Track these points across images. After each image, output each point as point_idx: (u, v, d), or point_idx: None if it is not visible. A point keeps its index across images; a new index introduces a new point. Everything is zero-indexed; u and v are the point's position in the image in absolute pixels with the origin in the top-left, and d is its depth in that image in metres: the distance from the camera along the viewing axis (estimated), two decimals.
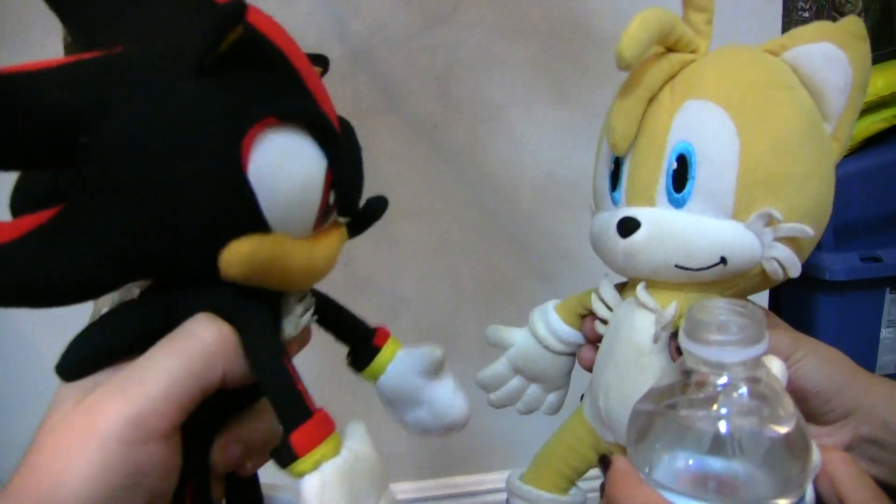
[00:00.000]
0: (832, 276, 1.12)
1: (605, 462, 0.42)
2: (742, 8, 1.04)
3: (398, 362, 0.48)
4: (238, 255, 0.34)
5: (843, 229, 1.08)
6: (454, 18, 0.98)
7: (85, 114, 0.31)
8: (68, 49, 0.57)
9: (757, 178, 0.45)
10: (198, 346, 0.34)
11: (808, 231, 0.45)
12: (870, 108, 1.08)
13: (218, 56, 0.33)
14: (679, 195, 0.47)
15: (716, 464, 0.37)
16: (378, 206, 0.43)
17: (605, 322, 0.53)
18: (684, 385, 0.39)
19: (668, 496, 0.37)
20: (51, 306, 0.34)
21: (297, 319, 0.40)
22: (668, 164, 0.47)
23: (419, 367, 0.48)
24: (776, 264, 0.46)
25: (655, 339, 0.48)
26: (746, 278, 0.47)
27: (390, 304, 1.09)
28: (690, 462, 0.37)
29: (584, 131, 1.05)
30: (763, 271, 0.46)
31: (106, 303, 0.60)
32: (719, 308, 0.39)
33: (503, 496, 1.25)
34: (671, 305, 0.47)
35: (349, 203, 0.40)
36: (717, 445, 0.37)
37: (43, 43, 0.92)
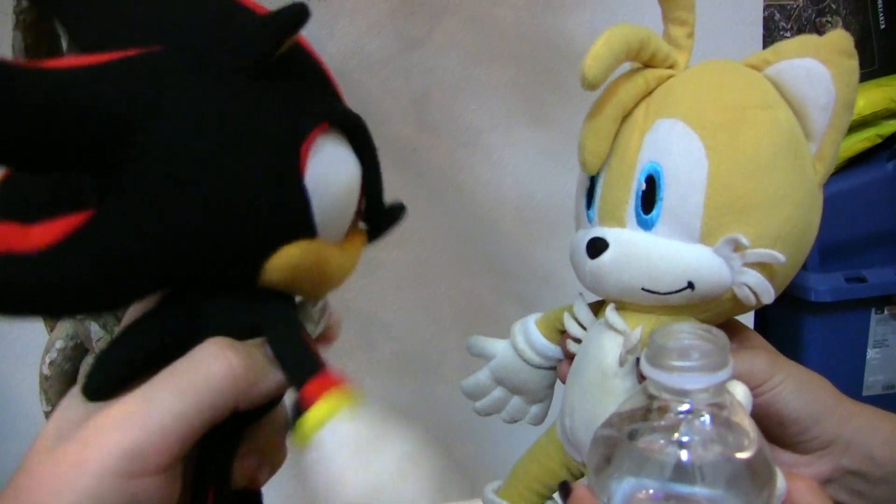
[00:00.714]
0: (818, 297, 1.12)
1: (565, 490, 0.42)
2: (723, 27, 1.04)
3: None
4: (287, 261, 0.34)
5: (827, 249, 1.09)
6: (430, 41, 0.98)
7: (137, 114, 0.30)
8: (23, 25, 0.55)
9: (725, 202, 0.43)
10: (205, 382, 0.33)
11: (779, 257, 0.43)
12: (852, 128, 1.07)
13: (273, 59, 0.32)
14: (647, 217, 0.45)
15: (679, 491, 0.36)
16: (397, 212, 0.44)
17: (578, 341, 0.52)
18: (646, 411, 0.38)
19: None
20: (74, 315, 0.34)
21: (317, 320, 0.40)
22: (637, 184, 0.46)
23: None
24: (747, 290, 0.44)
25: (621, 363, 0.46)
26: (718, 303, 0.45)
27: (368, 332, 1.08)
28: (651, 491, 0.36)
29: (563, 153, 1.05)
30: (734, 296, 0.45)
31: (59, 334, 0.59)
32: (682, 333, 0.37)
33: None
34: (638, 328, 0.46)
35: (378, 207, 0.41)
36: (679, 473, 0.35)
37: None
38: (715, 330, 0.37)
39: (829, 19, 1.17)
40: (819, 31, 1.15)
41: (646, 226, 0.46)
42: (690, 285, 0.44)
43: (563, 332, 0.55)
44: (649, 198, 0.45)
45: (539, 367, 0.57)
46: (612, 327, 0.48)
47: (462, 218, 1.06)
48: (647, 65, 0.48)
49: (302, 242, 0.34)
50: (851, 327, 1.18)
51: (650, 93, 0.48)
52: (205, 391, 0.33)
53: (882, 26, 1.17)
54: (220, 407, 0.33)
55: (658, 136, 0.45)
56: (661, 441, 0.36)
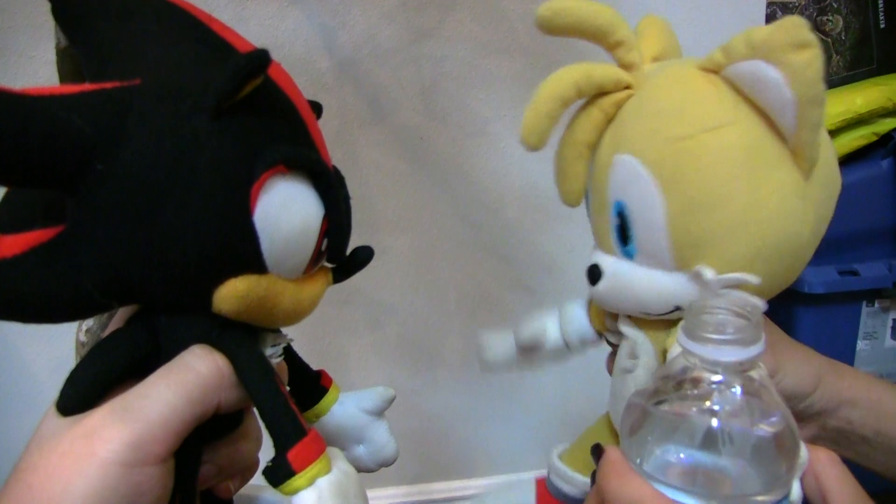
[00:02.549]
0: (811, 289, 1.13)
1: (597, 451, 0.42)
2: (726, 27, 1.04)
3: (346, 401, 0.51)
4: (234, 293, 0.35)
5: (822, 244, 1.08)
6: (440, 33, 0.98)
7: (101, 141, 0.31)
8: (60, 55, 0.56)
9: (685, 239, 0.42)
10: (195, 379, 0.35)
11: (750, 280, 0.42)
12: (849, 126, 1.07)
13: (235, 100, 0.33)
14: (626, 248, 0.46)
15: (706, 459, 0.37)
16: (364, 256, 0.44)
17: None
18: (680, 381, 0.39)
19: (659, 488, 0.37)
20: (43, 322, 0.34)
21: (268, 354, 0.40)
22: (612, 219, 0.46)
23: (370, 405, 0.51)
24: None
25: (629, 368, 0.48)
26: None
27: (375, 314, 1.09)
28: (681, 456, 0.37)
29: None
30: None
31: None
32: (718, 308, 0.38)
33: None
34: (637, 336, 0.48)
35: (340, 250, 0.41)
36: (708, 441, 0.37)
37: (31, 55, 0.91)
38: (749, 306, 0.37)
39: (830, 18, 1.16)
40: (820, 29, 1.15)
41: (628, 255, 0.46)
42: (678, 308, 0.44)
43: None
44: (623, 231, 0.45)
45: (575, 350, 0.57)
46: (624, 336, 0.49)
47: (468, 205, 1.06)
48: (602, 94, 0.46)
49: (251, 276, 0.35)
50: (843, 319, 1.19)
51: (612, 117, 0.46)
52: (195, 388, 0.35)
53: (882, 25, 1.16)
54: (208, 403, 0.36)
55: (617, 174, 0.44)
56: (693, 409, 0.37)
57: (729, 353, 0.36)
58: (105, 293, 0.34)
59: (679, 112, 0.43)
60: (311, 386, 0.50)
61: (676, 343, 0.39)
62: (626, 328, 0.49)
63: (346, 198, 0.40)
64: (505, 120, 1.03)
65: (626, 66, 0.46)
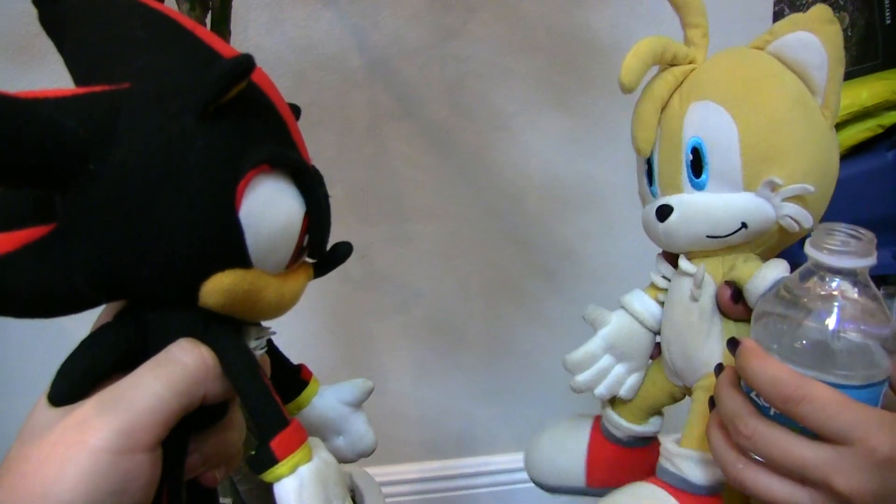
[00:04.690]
0: None
1: (733, 343, 0.47)
2: (734, 24, 1.03)
3: (325, 393, 0.51)
4: (220, 287, 0.35)
5: None
6: (465, 33, 1.00)
7: (93, 142, 0.31)
8: None
9: (756, 154, 0.51)
10: (182, 370, 0.35)
11: (809, 188, 0.51)
12: (855, 118, 1.08)
13: (221, 103, 0.34)
14: (699, 180, 0.54)
15: (827, 345, 0.43)
16: (343, 251, 0.44)
17: (664, 291, 0.60)
18: (805, 285, 0.44)
19: (792, 367, 0.43)
20: (34, 317, 0.34)
21: (253, 347, 0.41)
22: (686, 157, 0.54)
23: (349, 397, 0.51)
24: (790, 220, 0.51)
25: (694, 298, 0.55)
26: (769, 236, 0.53)
27: (403, 298, 1.11)
28: (805, 342, 0.43)
29: (585, 138, 1.07)
30: (781, 228, 0.52)
31: None
32: (839, 226, 0.44)
33: (508, 477, 1.26)
34: (701, 266, 0.54)
35: (320, 245, 0.41)
36: (829, 331, 0.43)
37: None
38: (862, 229, 0.44)
39: (837, 14, 1.16)
40: None
41: (699, 187, 0.54)
42: (744, 225, 0.52)
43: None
44: (697, 165, 0.54)
45: (651, 329, 0.62)
46: (684, 272, 0.56)
47: (490, 196, 1.08)
48: (672, 65, 0.56)
49: (237, 271, 0.35)
50: None
51: (679, 85, 0.56)
52: (182, 379, 0.35)
53: (888, 21, 1.16)
54: (194, 394, 0.36)
55: (694, 116, 0.54)
56: (818, 304, 0.43)
57: (849, 261, 0.43)
58: (95, 289, 0.34)
59: (743, 64, 0.54)
60: (291, 379, 0.50)
61: (758, 276, 0.51)
62: (686, 265, 0.56)
63: (326, 196, 0.40)
64: (526, 115, 1.04)
65: (693, 46, 0.57)
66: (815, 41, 0.52)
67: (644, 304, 0.62)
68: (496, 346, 1.16)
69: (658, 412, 0.65)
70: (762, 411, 0.45)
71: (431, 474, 1.20)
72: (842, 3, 1.17)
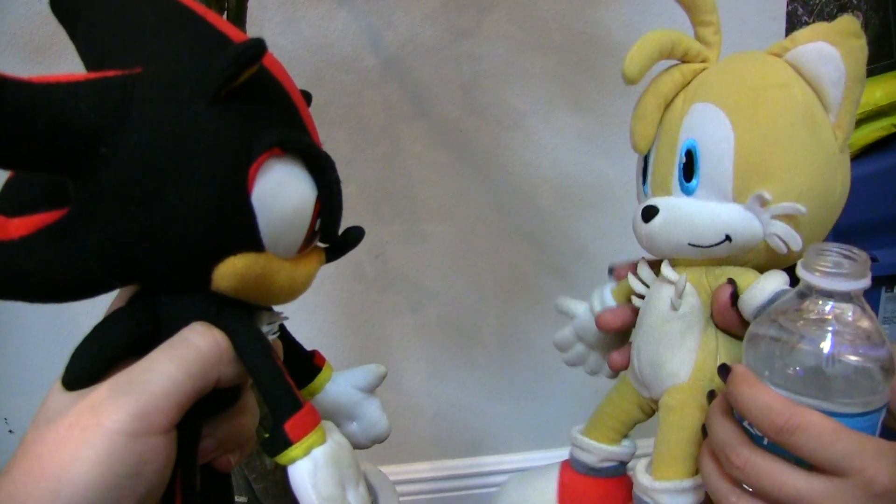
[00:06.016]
0: None
1: (724, 370, 0.45)
2: (747, 23, 1.05)
3: (338, 379, 0.51)
4: (233, 270, 0.35)
5: (843, 231, 1.08)
6: (479, 32, 0.99)
7: (105, 127, 0.31)
8: None
9: (749, 166, 0.48)
10: (195, 353, 0.35)
11: (801, 209, 0.48)
12: (869, 118, 1.07)
13: (232, 87, 0.33)
14: (688, 184, 0.51)
15: (821, 371, 0.41)
16: (355, 235, 0.44)
17: (641, 297, 0.57)
18: (797, 309, 0.43)
19: (782, 393, 0.41)
20: (48, 302, 0.35)
21: (265, 331, 0.40)
22: (679, 158, 0.51)
23: (363, 382, 0.51)
24: (777, 239, 0.48)
25: (674, 307, 0.52)
26: (755, 253, 0.50)
27: (417, 297, 1.11)
28: (798, 369, 0.42)
29: (598, 137, 1.06)
30: (769, 247, 0.49)
31: None
32: (831, 247, 0.42)
33: None
34: (683, 275, 0.52)
35: (332, 229, 0.41)
36: (822, 356, 0.41)
37: None
38: (857, 249, 0.42)
39: (852, 14, 1.15)
40: None
41: (688, 192, 0.51)
42: (728, 238, 0.49)
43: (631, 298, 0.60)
44: (689, 168, 0.51)
45: None
46: (665, 279, 0.53)
47: (504, 194, 1.08)
48: (683, 61, 0.54)
49: (249, 255, 0.35)
50: None
51: (687, 84, 0.53)
52: (195, 363, 0.35)
53: None
54: (208, 377, 0.36)
55: (693, 118, 0.51)
56: (812, 328, 0.42)
57: (842, 284, 0.41)
58: (108, 273, 0.34)
59: (753, 70, 0.51)
60: (304, 365, 0.50)
61: (756, 286, 0.48)
62: (669, 272, 0.53)
63: (338, 180, 0.40)
64: (539, 114, 1.04)
65: (706, 44, 0.55)
66: (834, 54, 0.48)
67: (603, 302, 0.61)
68: (510, 345, 1.16)
69: (629, 430, 0.62)
70: (755, 440, 0.43)
71: (445, 473, 1.20)
72: (855, 1, 1.16)
